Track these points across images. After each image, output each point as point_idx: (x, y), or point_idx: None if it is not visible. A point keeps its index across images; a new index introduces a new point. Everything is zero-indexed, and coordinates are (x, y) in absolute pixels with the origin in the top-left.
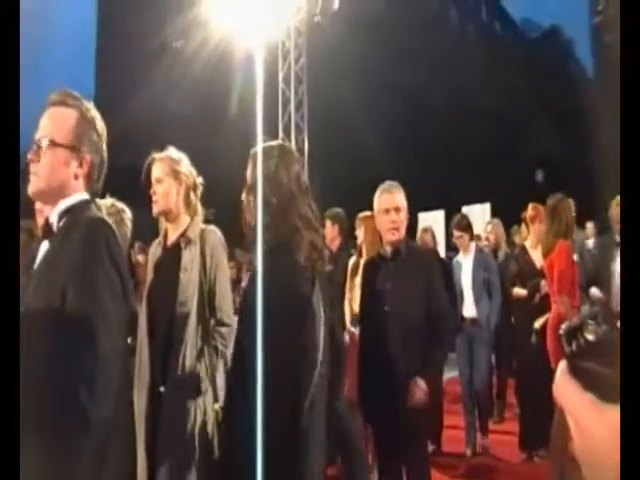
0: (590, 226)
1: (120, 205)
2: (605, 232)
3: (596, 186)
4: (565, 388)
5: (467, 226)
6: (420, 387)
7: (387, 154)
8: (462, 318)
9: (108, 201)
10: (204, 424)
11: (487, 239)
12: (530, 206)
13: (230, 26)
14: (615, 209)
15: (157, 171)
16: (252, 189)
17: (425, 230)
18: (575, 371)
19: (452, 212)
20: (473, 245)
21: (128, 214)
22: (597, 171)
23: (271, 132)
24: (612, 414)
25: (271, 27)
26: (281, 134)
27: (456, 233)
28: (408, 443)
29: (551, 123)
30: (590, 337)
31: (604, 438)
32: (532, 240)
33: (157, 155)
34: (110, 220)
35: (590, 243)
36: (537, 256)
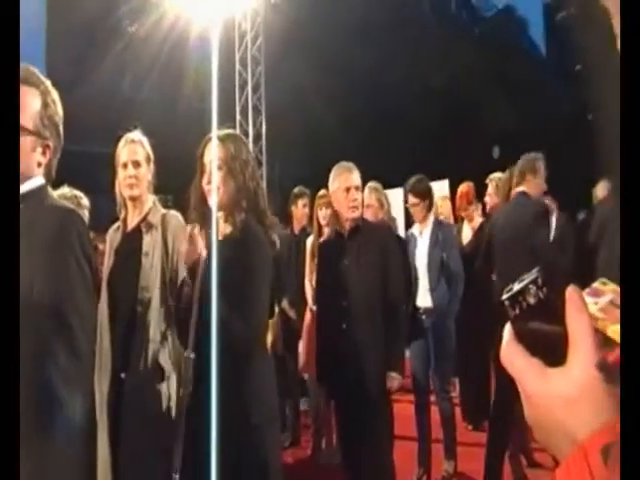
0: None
1: (76, 192)
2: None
3: (548, 159)
4: (511, 355)
5: (425, 191)
6: (396, 379)
7: (345, 134)
8: (415, 308)
9: (66, 189)
10: (169, 410)
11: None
12: (463, 184)
13: (185, 7)
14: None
15: (134, 154)
16: (221, 169)
17: (372, 189)
18: (520, 335)
19: None
20: (431, 217)
21: (84, 201)
22: (550, 146)
23: (228, 115)
24: (557, 379)
25: (227, 8)
26: (238, 117)
27: (411, 199)
28: (370, 422)
29: (506, 100)
30: (531, 300)
31: (550, 404)
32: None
33: (131, 137)
34: None
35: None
36: (465, 235)
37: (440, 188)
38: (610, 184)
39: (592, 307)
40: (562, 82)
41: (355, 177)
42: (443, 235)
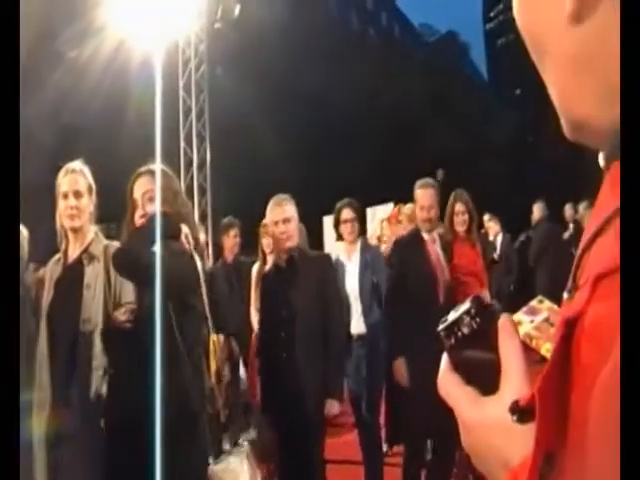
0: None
1: None
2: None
3: (491, 181)
4: (447, 384)
5: (359, 210)
6: (335, 405)
7: (290, 160)
8: (349, 336)
9: None
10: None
11: (379, 239)
12: (397, 206)
13: (128, 33)
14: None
15: (75, 184)
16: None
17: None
18: (456, 364)
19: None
20: (359, 241)
21: (24, 233)
22: (493, 168)
23: (172, 142)
24: (491, 407)
25: (170, 34)
26: (182, 143)
27: (347, 214)
28: (309, 449)
29: (449, 123)
30: (465, 330)
31: (484, 431)
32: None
33: (72, 166)
34: None
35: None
36: None
37: (385, 211)
38: (545, 205)
39: (527, 326)
40: (503, 105)
41: (286, 209)
42: (371, 257)
